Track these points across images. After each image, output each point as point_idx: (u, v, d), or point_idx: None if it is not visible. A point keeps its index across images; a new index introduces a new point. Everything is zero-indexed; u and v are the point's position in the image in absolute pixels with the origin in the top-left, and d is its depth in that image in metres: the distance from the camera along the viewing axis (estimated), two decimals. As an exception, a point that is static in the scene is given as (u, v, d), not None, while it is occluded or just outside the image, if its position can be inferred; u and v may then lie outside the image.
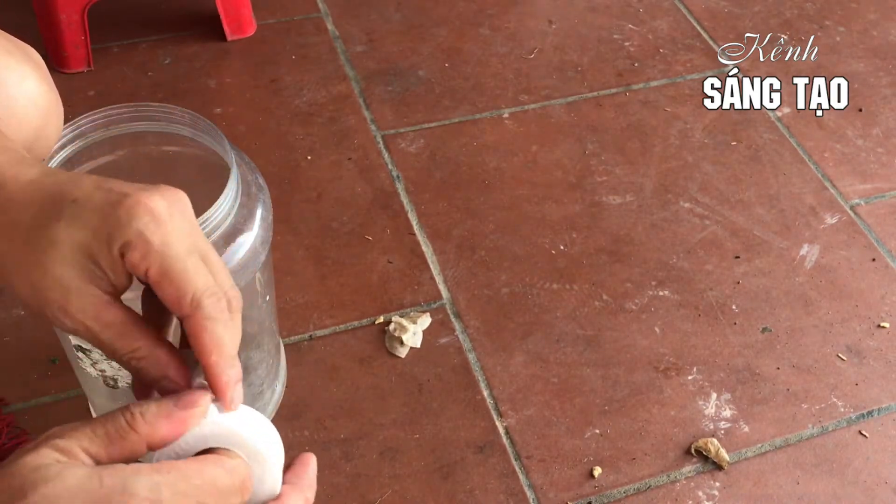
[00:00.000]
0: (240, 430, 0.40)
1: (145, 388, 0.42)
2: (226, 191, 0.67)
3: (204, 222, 0.65)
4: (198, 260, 0.39)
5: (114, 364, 0.75)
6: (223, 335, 0.39)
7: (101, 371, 0.77)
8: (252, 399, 0.89)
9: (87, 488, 0.33)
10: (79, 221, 0.37)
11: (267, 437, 0.42)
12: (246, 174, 0.74)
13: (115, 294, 0.40)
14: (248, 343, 0.83)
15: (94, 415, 0.93)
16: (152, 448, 0.37)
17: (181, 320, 0.40)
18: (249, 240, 0.72)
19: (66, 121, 0.66)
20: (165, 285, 0.38)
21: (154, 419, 0.36)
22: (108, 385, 0.79)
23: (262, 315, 0.83)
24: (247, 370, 0.85)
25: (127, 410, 0.37)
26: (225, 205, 0.67)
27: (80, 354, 0.76)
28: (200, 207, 0.66)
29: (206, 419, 0.38)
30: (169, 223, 0.38)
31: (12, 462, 0.34)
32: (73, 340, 0.76)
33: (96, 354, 0.75)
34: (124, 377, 0.77)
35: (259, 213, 0.73)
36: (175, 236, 0.38)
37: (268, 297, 0.83)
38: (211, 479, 0.36)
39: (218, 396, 0.40)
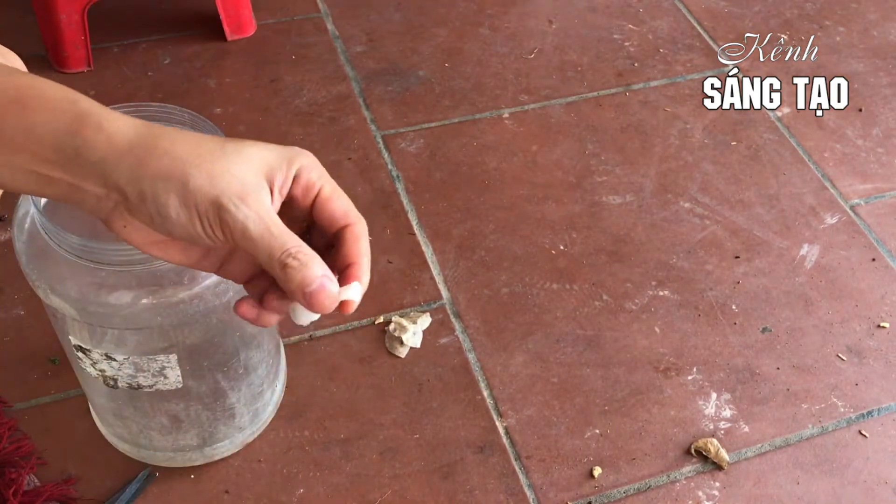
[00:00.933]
0: None
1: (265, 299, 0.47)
2: None
3: None
4: None
5: (113, 364, 0.75)
6: (367, 244, 0.47)
7: (101, 371, 0.77)
8: (252, 399, 0.89)
9: None
10: (266, 147, 0.44)
11: None
12: None
13: None
14: (248, 343, 0.83)
15: (94, 415, 0.93)
16: None
17: (338, 231, 0.46)
18: None
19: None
20: (336, 200, 0.46)
21: None
22: (108, 385, 0.79)
23: None
24: (247, 370, 0.85)
25: None
26: None
27: (80, 354, 0.76)
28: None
29: None
30: None
31: None
32: (73, 340, 0.76)
33: (96, 354, 0.75)
34: (124, 377, 0.77)
35: None
36: None
37: None
38: None
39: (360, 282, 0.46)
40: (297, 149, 0.45)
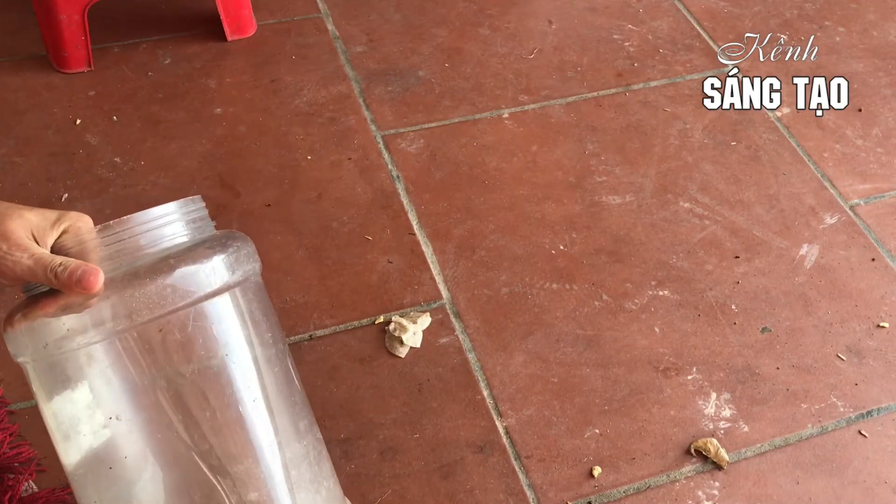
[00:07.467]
0: None
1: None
2: None
3: None
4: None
5: None
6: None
7: None
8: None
9: None
10: (36, 212, 0.60)
11: None
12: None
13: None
14: None
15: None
16: None
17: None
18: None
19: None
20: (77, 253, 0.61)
21: None
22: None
23: None
24: None
25: None
26: None
27: None
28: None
29: None
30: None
31: None
32: None
33: None
34: None
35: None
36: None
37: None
38: None
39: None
40: (71, 214, 0.62)
